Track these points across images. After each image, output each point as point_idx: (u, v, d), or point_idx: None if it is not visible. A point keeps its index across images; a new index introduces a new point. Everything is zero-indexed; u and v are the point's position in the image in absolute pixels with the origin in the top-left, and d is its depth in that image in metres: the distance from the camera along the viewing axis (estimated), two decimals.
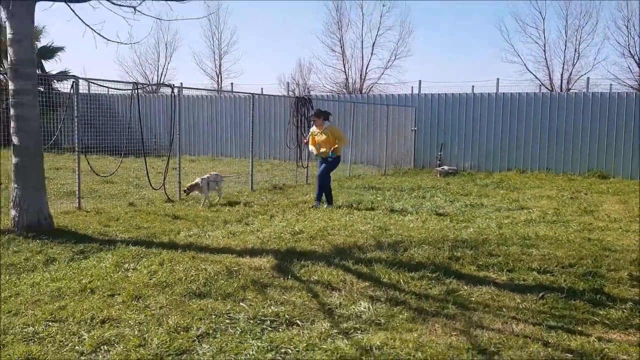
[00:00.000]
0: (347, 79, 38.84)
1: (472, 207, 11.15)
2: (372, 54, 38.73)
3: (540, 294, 5.54)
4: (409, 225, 8.92)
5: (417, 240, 7.72)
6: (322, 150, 10.97)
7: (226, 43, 42.88)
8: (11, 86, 7.54)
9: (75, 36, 54.03)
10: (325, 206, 10.80)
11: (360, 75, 38.73)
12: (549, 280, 6.08)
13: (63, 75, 11.32)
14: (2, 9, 7.35)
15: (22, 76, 7.53)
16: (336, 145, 10.92)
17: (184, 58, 79.26)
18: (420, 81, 21.33)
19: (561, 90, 33.14)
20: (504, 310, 5.15)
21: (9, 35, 7.42)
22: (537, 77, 36.55)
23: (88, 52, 68.51)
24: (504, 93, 19.37)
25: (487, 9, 54.80)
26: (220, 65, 42.57)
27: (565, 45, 35.61)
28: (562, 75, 36.13)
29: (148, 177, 11.29)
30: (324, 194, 11.09)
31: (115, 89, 12.06)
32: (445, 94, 20.04)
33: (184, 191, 11.11)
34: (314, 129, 11.29)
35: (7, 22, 7.42)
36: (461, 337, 4.50)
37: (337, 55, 38.95)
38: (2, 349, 4.15)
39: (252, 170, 13.73)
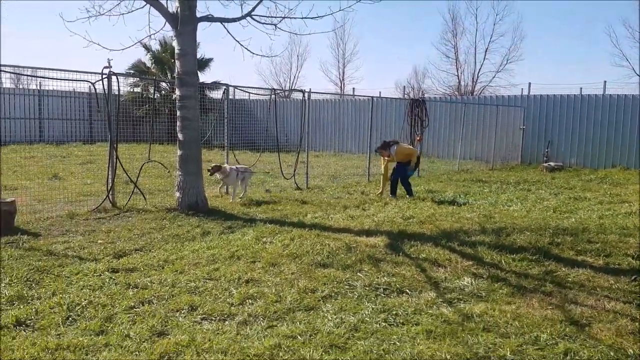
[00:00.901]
0: (459, 82, 37.94)
1: (575, 199, 10.67)
2: (484, 59, 37.47)
3: (633, 277, 5.35)
4: (513, 214, 8.75)
5: (520, 227, 7.59)
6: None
7: (350, 52, 43.53)
8: (177, 92, 8.29)
9: (221, 51, 57.04)
10: (390, 196, 10.59)
11: (473, 79, 37.66)
12: None
13: (217, 84, 12.16)
14: (172, 29, 8.10)
15: (187, 84, 8.26)
16: (410, 160, 10.70)
17: (312, 67, 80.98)
18: (530, 83, 20.60)
19: None
20: (598, 289, 5.04)
21: (176, 51, 8.17)
22: None
23: (232, 64, 72.06)
24: (610, 94, 18.20)
25: (596, 16, 50.98)
26: (343, 73, 43.26)
27: None
28: None
29: (281, 169, 11.90)
30: (390, 185, 10.86)
31: (256, 94, 12.74)
32: (554, 95, 19.17)
33: (208, 170, 9.77)
34: (384, 158, 11.09)
35: (174, 40, 8.17)
36: (556, 311, 4.49)
37: (450, 61, 38.14)
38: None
39: (369, 164, 13.96)
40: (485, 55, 37.32)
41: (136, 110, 17.66)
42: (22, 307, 4.39)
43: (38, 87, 22.54)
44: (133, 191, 9.00)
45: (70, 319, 4.20)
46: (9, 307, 4.38)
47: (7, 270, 5.29)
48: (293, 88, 40.86)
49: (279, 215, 8.50)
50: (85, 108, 22.70)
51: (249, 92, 12.40)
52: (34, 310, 4.32)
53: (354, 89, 31.21)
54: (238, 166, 10.08)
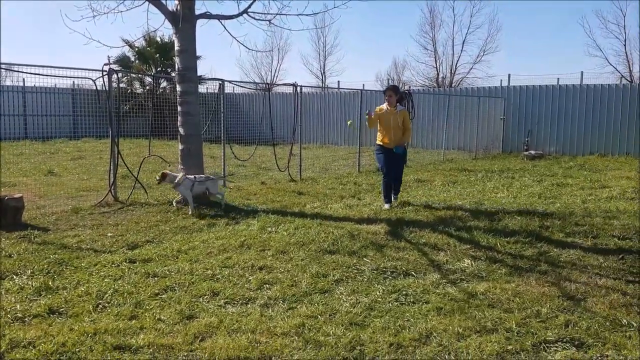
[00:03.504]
0: (438, 74, 38.46)
1: (558, 186, 11.10)
2: (462, 50, 38.18)
3: (620, 256, 5.74)
4: (502, 201, 9.11)
5: (510, 212, 7.94)
6: (393, 138, 8.59)
7: (330, 45, 43.78)
8: (178, 88, 8.41)
9: (201, 45, 56.54)
10: (387, 206, 8.50)
11: (451, 70, 38.22)
12: (628, 245, 6.25)
13: (212, 79, 12.31)
14: (172, 27, 8.22)
15: (187, 80, 8.38)
16: (407, 136, 8.78)
17: (293, 59, 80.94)
18: (509, 75, 21.08)
19: None
20: (589, 268, 5.39)
21: (176, 47, 8.29)
22: (617, 70, 34.48)
23: (212, 58, 71.71)
24: (587, 85, 18.87)
25: (570, 7, 51.95)
26: (324, 65, 43.46)
27: None
28: None
29: (276, 161, 12.12)
30: (385, 189, 8.72)
31: (250, 88, 12.94)
32: (533, 86, 19.69)
33: (156, 179, 8.53)
34: (383, 106, 8.79)
35: (175, 37, 8.30)
36: (552, 288, 4.81)
37: (429, 53, 38.67)
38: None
39: (359, 156, 14.25)
40: (462, 47, 38.07)
41: (123, 106, 17.69)
42: (50, 296, 4.55)
43: (22, 84, 22.32)
44: (135, 185, 9.13)
45: (100, 306, 4.39)
46: (37, 297, 4.55)
47: (26, 264, 5.44)
48: (281, 82, 40.77)
49: (279, 206, 8.72)
50: (69, 104, 22.53)
51: (244, 87, 12.55)
52: (63, 299, 4.49)
53: (339, 82, 31.46)
54: (197, 175, 8.39)
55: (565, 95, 18.97)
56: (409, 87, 22.10)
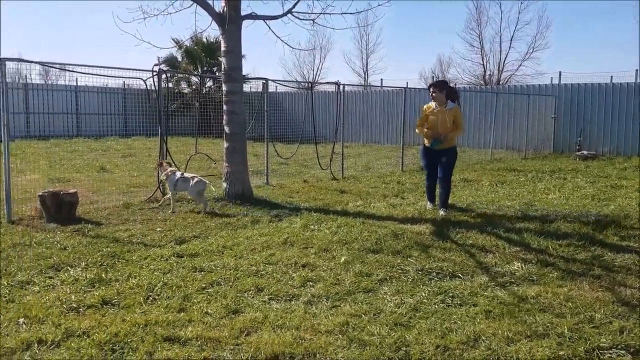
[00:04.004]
0: (485, 71, 37.68)
1: (612, 187, 10.70)
2: (510, 47, 37.13)
3: None
4: (553, 202, 8.86)
5: (562, 214, 7.71)
6: (442, 138, 7.96)
7: (373, 43, 43.54)
8: (224, 88, 8.56)
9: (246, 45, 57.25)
10: (430, 206, 8.35)
11: (498, 68, 37.34)
12: None
13: (256, 78, 12.43)
14: (218, 28, 8.36)
15: (233, 79, 8.51)
16: (453, 134, 8.03)
17: (335, 58, 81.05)
18: (560, 72, 20.38)
19: None
20: None
21: (223, 48, 8.44)
22: None
23: (256, 57, 72.61)
24: None
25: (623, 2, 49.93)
26: (367, 64, 43.29)
27: None
28: None
29: (318, 159, 12.15)
30: (427, 189, 8.49)
31: (292, 87, 13.03)
32: (585, 83, 19.06)
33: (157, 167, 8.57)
34: (432, 104, 8.17)
35: (221, 38, 8.44)
36: (606, 293, 4.65)
37: (475, 50, 37.89)
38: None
39: (402, 154, 14.12)
40: (510, 44, 37.02)
41: (171, 105, 18.11)
42: (103, 288, 4.72)
43: (75, 84, 23.18)
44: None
45: (150, 298, 4.52)
46: (91, 289, 4.72)
47: (80, 256, 5.65)
48: (324, 81, 40.87)
49: (322, 204, 8.74)
50: (120, 103, 23.32)
51: (287, 85, 12.67)
52: (115, 291, 4.64)
53: (382, 80, 31.24)
54: (187, 174, 8.22)
55: (619, 94, 18.27)
56: (455, 84, 21.68)
